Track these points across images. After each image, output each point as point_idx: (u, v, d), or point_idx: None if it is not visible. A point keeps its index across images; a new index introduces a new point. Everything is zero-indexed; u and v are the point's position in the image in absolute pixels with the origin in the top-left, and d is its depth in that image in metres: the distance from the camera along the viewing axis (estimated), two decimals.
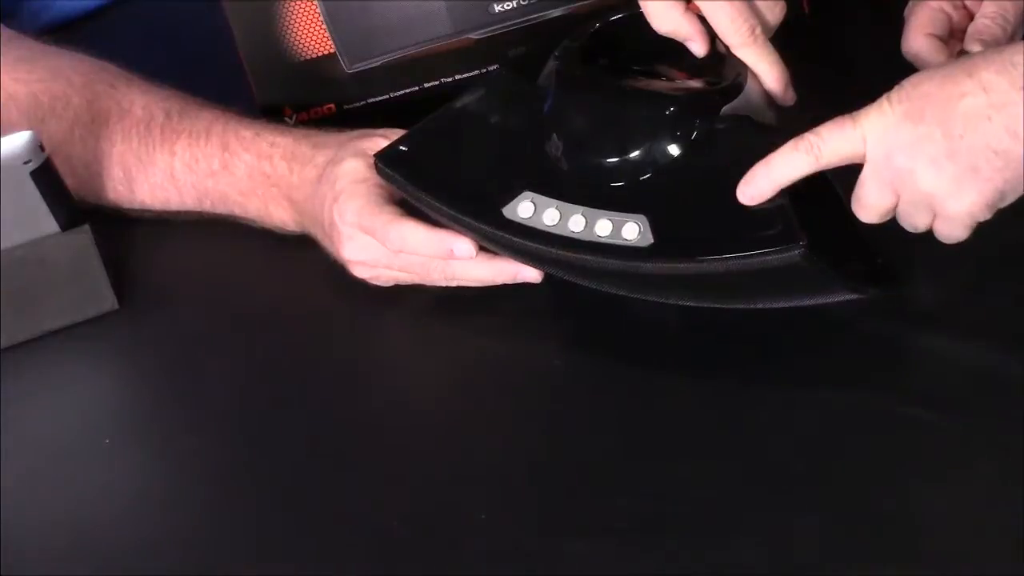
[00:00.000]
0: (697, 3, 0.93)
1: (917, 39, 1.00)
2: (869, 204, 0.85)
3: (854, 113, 0.85)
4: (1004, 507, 0.79)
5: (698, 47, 0.94)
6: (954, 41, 1.00)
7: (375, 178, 0.96)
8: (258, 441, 0.92)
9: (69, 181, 1.01)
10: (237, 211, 1.06)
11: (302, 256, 1.02)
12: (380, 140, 0.98)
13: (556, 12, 1.09)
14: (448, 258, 0.94)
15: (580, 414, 0.90)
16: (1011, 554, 0.76)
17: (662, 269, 0.86)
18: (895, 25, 1.08)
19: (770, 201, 0.85)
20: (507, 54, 1.08)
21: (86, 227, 0.99)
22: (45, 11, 1.27)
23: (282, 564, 0.84)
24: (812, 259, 0.83)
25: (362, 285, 0.98)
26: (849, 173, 0.89)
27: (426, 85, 1.11)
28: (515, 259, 0.93)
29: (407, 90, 1.11)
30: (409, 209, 0.95)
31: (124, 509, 0.90)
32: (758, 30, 0.93)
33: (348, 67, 1.10)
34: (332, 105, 1.11)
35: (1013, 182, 0.83)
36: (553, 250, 0.89)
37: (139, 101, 1.07)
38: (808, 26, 1.14)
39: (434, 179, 0.94)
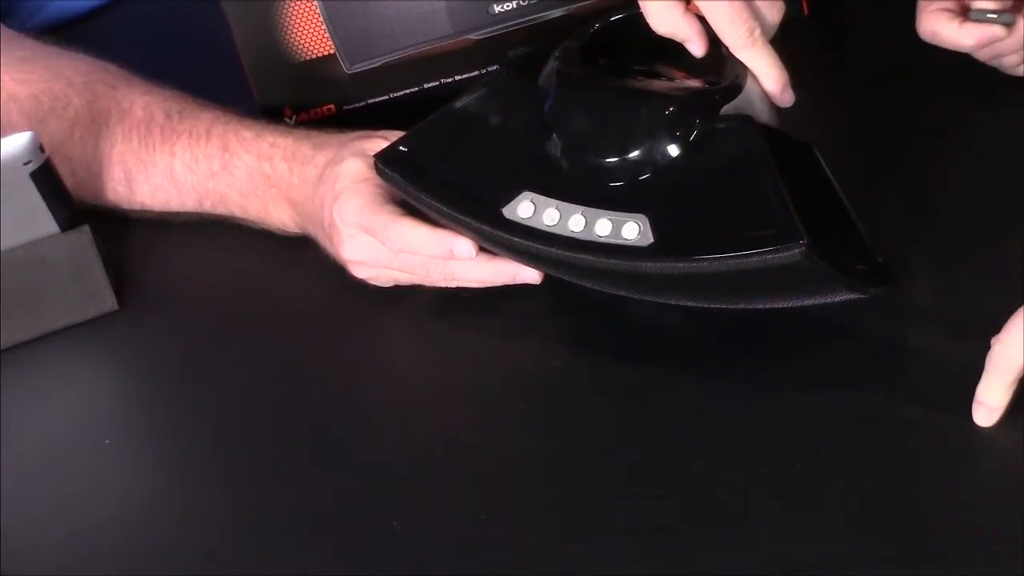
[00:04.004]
0: (697, 4, 0.93)
1: (930, 17, 1.02)
2: None
3: None
4: (1004, 507, 0.79)
5: (697, 48, 0.94)
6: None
7: (375, 178, 0.96)
8: (258, 441, 0.92)
9: (69, 181, 1.01)
10: (237, 212, 1.06)
11: (302, 256, 1.02)
12: (380, 141, 0.98)
13: (556, 12, 1.09)
14: (448, 258, 0.94)
15: (580, 414, 0.90)
16: (1011, 554, 0.76)
17: (662, 268, 0.86)
18: (895, 26, 1.08)
19: (770, 200, 0.85)
20: (507, 54, 1.08)
21: (86, 227, 0.99)
22: (41, 10, 1.27)
23: (282, 563, 0.84)
24: (812, 258, 0.83)
25: (362, 285, 0.99)
26: (849, 173, 0.89)
27: (426, 85, 1.11)
28: (515, 259, 0.93)
29: (407, 90, 1.11)
30: (409, 209, 0.95)
31: (124, 509, 0.90)
32: (757, 31, 0.93)
33: (348, 67, 1.10)
34: (332, 105, 1.11)
35: None
36: (553, 250, 0.89)
37: (139, 102, 1.07)
38: (808, 28, 1.14)
39: (434, 179, 0.94)
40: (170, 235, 1.07)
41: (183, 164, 1.05)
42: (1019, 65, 1.05)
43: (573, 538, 0.82)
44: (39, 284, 0.99)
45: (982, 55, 1.05)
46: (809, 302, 0.87)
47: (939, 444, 0.83)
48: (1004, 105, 1.05)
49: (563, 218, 0.89)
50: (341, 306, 1.00)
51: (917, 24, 1.05)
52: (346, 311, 0.99)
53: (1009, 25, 1.02)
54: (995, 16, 1.02)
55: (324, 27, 1.09)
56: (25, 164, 0.96)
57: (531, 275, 0.94)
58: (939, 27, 1.03)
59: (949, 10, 1.03)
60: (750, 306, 0.89)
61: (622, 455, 0.86)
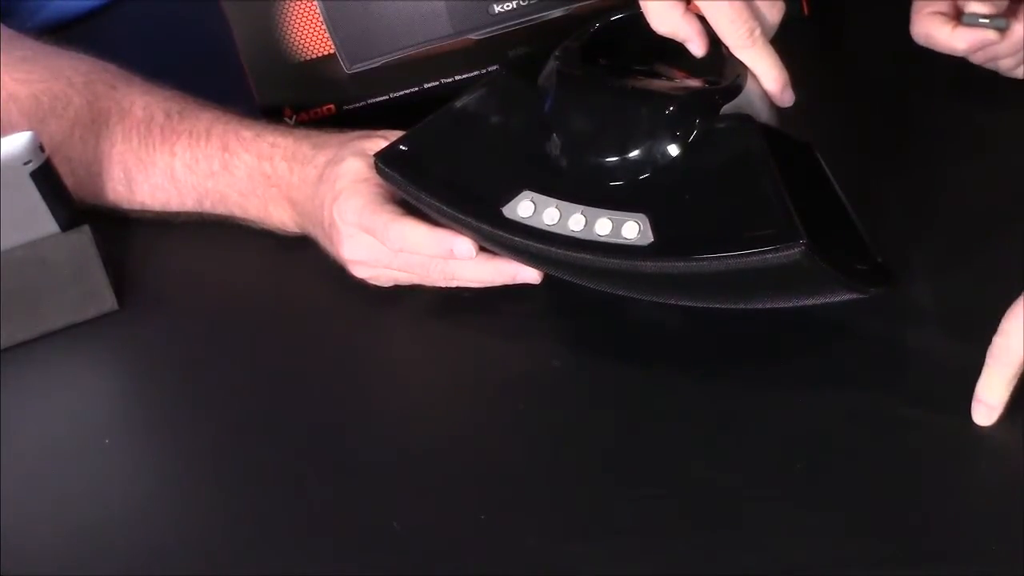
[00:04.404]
0: (697, 4, 0.93)
1: (924, 20, 1.03)
2: None
3: None
4: (1004, 507, 0.79)
5: (697, 48, 0.95)
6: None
7: (376, 178, 0.96)
8: (258, 441, 0.92)
9: (69, 181, 1.01)
10: (237, 212, 1.06)
11: (302, 256, 1.02)
12: (380, 140, 0.99)
13: (556, 12, 1.09)
14: (448, 258, 0.94)
15: (580, 414, 0.90)
16: (1011, 554, 0.76)
17: (662, 268, 0.86)
18: (895, 27, 1.08)
19: (770, 200, 0.85)
20: (507, 54, 1.08)
21: (86, 227, 0.99)
22: (41, 10, 1.27)
23: (282, 563, 0.84)
24: (812, 258, 0.83)
25: (362, 285, 0.99)
26: (849, 173, 0.89)
27: (426, 85, 1.11)
28: (515, 259, 0.93)
29: (407, 90, 1.11)
30: (409, 209, 0.95)
31: (124, 509, 0.90)
32: (757, 31, 0.93)
33: (348, 67, 1.10)
34: (332, 105, 1.11)
35: None
36: (553, 249, 0.89)
37: (139, 101, 1.07)
38: (808, 28, 1.14)
39: (434, 179, 0.94)
40: (170, 235, 1.07)
41: (183, 164, 1.05)
42: (1017, 67, 1.05)
43: (573, 538, 0.82)
44: (39, 284, 0.99)
45: (977, 59, 1.05)
46: (809, 302, 0.87)
47: (939, 444, 0.83)
48: (1004, 106, 1.05)
49: (563, 217, 0.89)
50: (341, 306, 1.00)
51: (911, 27, 1.05)
52: (346, 311, 0.99)
53: (1001, 29, 1.02)
54: (987, 20, 1.02)
55: (324, 27, 1.09)
56: (25, 164, 0.96)
57: (531, 275, 0.94)
58: (933, 31, 1.04)
59: (943, 13, 1.03)
60: (750, 306, 0.89)
61: (622, 455, 0.86)
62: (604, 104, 0.92)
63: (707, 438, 0.86)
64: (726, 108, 0.90)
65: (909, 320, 0.90)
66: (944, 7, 1.04)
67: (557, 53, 0.95)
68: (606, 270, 0.88)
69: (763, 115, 0.92)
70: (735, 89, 0.91)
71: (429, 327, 0.97)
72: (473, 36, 1.09)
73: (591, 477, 0.85)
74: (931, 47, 1.04)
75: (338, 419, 0.92)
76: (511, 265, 0.94)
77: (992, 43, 1.02)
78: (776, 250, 0.83)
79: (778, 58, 0.93)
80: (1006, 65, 1.05)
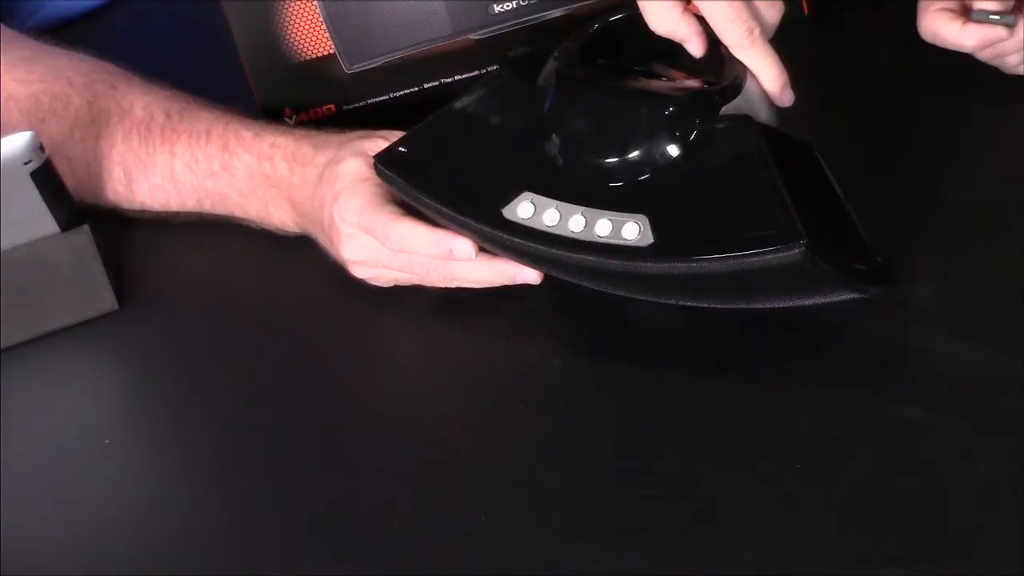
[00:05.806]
0: (696, 4, 0.93)
1: (931, 17, 1.03)
2: None
3: None
4: (1004, 507, 0.79)
5: (696, 48, 0.95)
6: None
7: (375, 178, 0.96)
8: (258, 441, 0.92)
9: (69, 181, 1.01)
10: (237, 212, 1.06)
11: (302, 256, 1.02)
12: (380, 141, 0.99)
13: (556, 12, 1.09)
14: (448, 258, 0.94)
15: (580, 414, 0.90)
16: (1011, 554, 0.77)
17: (662, 269, 0.86)
18: (895, 27, 1.08)
19: (770, 200, 0.85)
20: (507, 54, 1.08)
21: (86, 227, 0.99)
22: (40, 9, 1.27)
23: (281, 563, 0.84)
24: (812, 258, 0.83)
25: (362, 285, 0.99)
26: (849, 173, 0.89)
27: (426, 85, 1.11)
28: (515, 259, 0.93)
29: (407, 90, 1.11)
30: (409, 209, 0.95)
31: (124, 509, 0.90)
32: (757, 31, 0.93)
33: (348, 67, 1.10)
34: (332, 105, 1.11)
35: None
36: (553, 250, 0.89)
37: (139, 101, 1.07)
38: (808, 28, 1.14)
39: (434, 180, 0.94)
40: (170, 235, 1.07)
41: (183, 164, 1.06)
42: (1020, 65, 1.05)
43: (573, 538, 0.82)
44: (39, 284, 0.99)
45: (983, 55, 1.05)
46: (809, 302, 0.87)
47: (939, 444, 0.83)
48: (1004, 105, 1.05)
49: (563, 218, 0.89)
50: (341, 306, 1.00)
51: (918, 24, 1.05)
52: (346, 311, 0.99)
53: (1011, 26, 1.02)
54: (997, 17, 1.02)
55: (324, 27, 1.09)
56: (25, 164, 0.96)
57: (531, 275, 0.94)
58: (940, 27, 1.04)
59: (951, 10, 1.04)
60: (750, 306, 0.89)
61: (622, 455, 0.86)
62: (604, 105, 0.92)
63: (707, 438, 0.86)
64: (726, 108, 0.90)
65: (909, 320, 0.90)
66: (951, 4, 1.04)
67: (557, 53, 0.95)
68: (606, 271, 0.88)
69: (763, 115, 0.92)
70: (735, 89, 0.91)
71: (429, 327, 0.97)
72: (473, 36, 1.09)
73: (591, 477, 0.85)
74: (938, 44, 1.04)
75: (338, 419, 0.92)
76: (511, 266, 0.94)
77: (1001, 40, 1.03)
78: (776, 250, 0.83)
79: (778, 58, 0.93)
80: (1012, 62, 1.05)
